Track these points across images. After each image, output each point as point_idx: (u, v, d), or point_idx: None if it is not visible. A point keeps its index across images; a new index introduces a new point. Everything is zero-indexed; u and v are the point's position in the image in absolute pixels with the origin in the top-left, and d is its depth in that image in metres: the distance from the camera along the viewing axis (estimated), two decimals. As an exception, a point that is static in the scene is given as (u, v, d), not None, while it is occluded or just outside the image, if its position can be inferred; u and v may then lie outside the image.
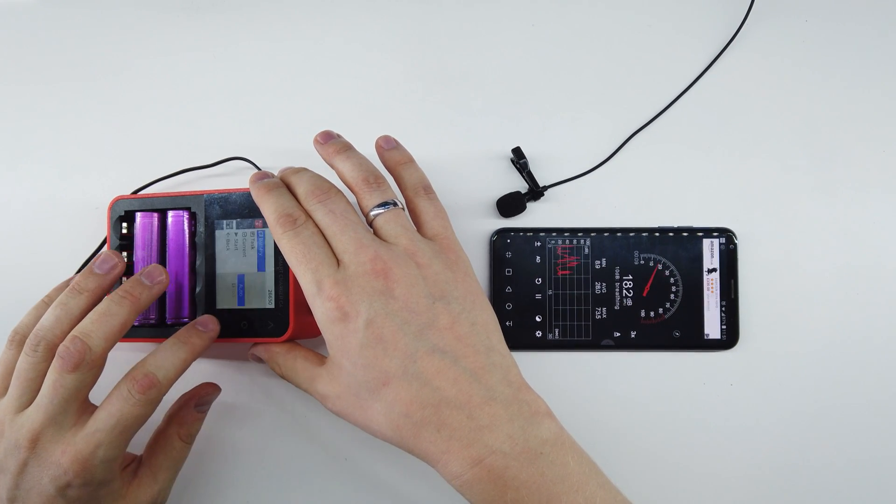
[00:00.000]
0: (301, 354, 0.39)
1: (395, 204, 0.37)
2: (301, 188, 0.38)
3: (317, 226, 0.37)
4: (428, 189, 0.40)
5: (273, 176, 0.39)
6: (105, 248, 0.45)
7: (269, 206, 0.37)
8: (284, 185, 0.38)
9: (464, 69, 0.48)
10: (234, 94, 0.48)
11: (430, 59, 0.48)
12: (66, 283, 0.41)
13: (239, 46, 0.48)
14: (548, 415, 0.35)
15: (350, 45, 0.48)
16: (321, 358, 0.38)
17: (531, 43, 0.48)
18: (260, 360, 0.41)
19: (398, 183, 0.40)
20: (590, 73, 0.48)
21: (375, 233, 0.37)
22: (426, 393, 0.34)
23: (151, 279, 0.38)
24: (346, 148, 0.39)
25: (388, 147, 0.41)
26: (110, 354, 0.37)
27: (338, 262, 0.35)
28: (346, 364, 0.35)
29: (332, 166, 0.39)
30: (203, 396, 0.42)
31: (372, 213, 0.37)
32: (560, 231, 0.46)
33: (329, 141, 0.39)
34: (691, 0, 0.48)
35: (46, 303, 0.40)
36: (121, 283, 0.39)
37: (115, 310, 0.36)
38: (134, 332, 0.42)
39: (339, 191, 0.38)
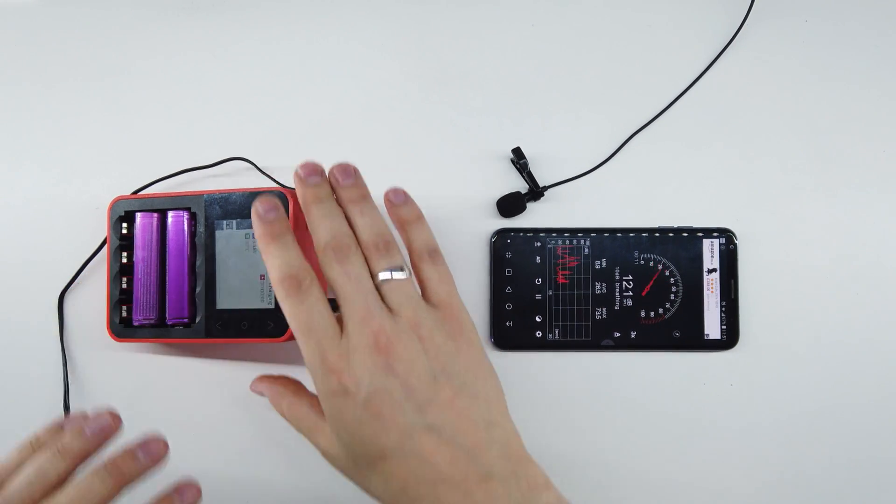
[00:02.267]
0: (307, 401, 0.38)
1: (401, 269, 0.37)
2: (323, 234, 0.36)
3: (321, 284, 0.36)
4: (433, 253, 0.39)
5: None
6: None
7: (272, 261, 0.35)
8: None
9: (464, 69, 0.48)
10: (234, 94, 0.48)
11: (430, 59, 0.48)
12: (59, 426, 0.38)
13: (239, 46, 0.48)
14: (546, 487, 0.34)
15: (350, 45, 0.48)
16: None
17: (531, 43, 0.48)
18: (262, 393, 0.40)
19: (405, 243, 0.39)
20: (590, 73, 0.48)
21: (380, 296, 0.36)
22: (423, 470, 0.33)
23: (148, 454, 0.35)
24: (363, 198, 0.38)
25: (396, 202, 0.39)
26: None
27: (341, 327, 0.35)
28: (344, 436, 0.35)
29: (344, 209, 0.38)
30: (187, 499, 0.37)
31: (379, 276, 0.36)
32: (560, 231, 0.46)
33: (346, 182, 0.38)
34: (691, 0, 0.48)
35: (33, 445, 0.36)
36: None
37: (97, 488, 0.33)
38: (134, 333, 0.42)
39: (359, 250, 0.37)
